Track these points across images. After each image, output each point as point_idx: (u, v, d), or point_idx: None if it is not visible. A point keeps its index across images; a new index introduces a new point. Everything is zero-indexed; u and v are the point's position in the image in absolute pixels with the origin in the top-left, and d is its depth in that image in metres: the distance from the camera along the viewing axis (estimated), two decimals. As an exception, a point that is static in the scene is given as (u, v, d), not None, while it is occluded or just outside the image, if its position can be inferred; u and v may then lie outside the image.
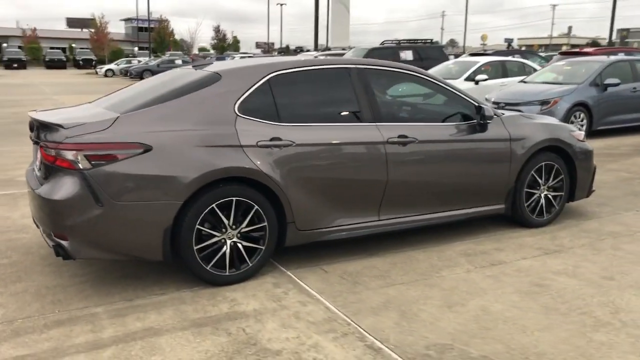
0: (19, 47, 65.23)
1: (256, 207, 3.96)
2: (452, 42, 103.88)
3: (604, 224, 5.41)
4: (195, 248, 3.81)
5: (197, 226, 3.79)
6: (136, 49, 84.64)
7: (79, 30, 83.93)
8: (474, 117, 4.85)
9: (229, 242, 3.93)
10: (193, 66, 4.73)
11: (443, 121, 4.81)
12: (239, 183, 3.91)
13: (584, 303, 3.70)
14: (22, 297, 3.79)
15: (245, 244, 3.99)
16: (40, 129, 3.88)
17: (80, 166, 3.57)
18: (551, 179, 5.30)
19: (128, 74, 39.39)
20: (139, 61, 44.66)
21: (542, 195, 5.28)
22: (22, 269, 4.28)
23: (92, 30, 70.88)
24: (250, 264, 4.02)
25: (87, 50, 66.13)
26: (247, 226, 3.97)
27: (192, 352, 3.10)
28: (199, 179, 3.73)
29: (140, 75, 37.63)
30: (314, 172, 4.15)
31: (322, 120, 4.27)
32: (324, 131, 4.22)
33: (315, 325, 3.40)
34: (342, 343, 3.19)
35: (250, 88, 4.09)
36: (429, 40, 18.55)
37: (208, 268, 3.88)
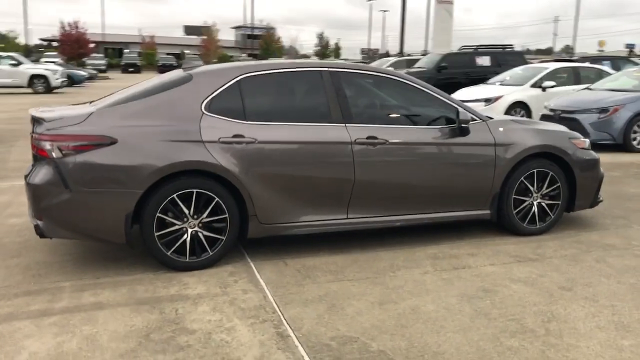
0: (137, 53, 69.90)
1: (217, 199, 4.23)
2: (567, 49, 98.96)
3: (604, 236, 5.17)
4: (156, 234, 4.14)
5: (158, 214, 4.12)
6: (244, 55, 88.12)
7: (194, 37, 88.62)
8: (455, 121, 4.84)
9: (190, 230, 4.22)
10: (182, 68, 5.08)
11: (423, 124, 4.82)
12: (200, 176, 4.20)
13: (520, 310, 3.63)
14: (11, 270, 4.29)
15: (206, 233, 4.27)
16: (33, 124, 4.38)
17: (54, 155, 4.01)
18: (545, 186, 5.14)
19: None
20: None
21: (535, 203, 5.13)
22: (27, 247, 4.80)
23: (205, 37, 74.76)
24: (211, 253, 4.29)
25: (195, 56, 69.73)
26: (208, 217, 4.24)
27: (120, 324, 3.41)
28: (158, 171, 4.06)
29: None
30: (277, 169, 4.36)
31: (289, 119, 4.47)
32: (288, 130, 4.41)
33: (242, 311, 3.60)
34: (256, 328, 3.37)
35: (218, 88, 4.37)
36: (509, 46, 18.01)
37: (168, 253, 4.19)
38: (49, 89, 26.61)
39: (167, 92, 4.34)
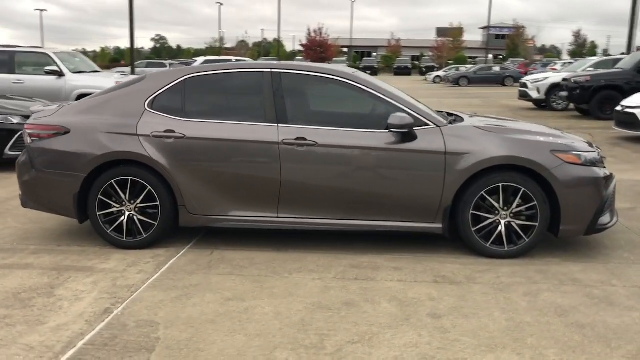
0: (374, 56, 72.90)
1: (149, 187, 4.70)
2: None
3: (584, 270, 4.35)
4: (98, 214, 4.77)
5: (100, 196, 4.74)
6: (490, 56, 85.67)
7: (442, 39, 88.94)
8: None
9: (127, 213, 4.77)
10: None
11: (364, 127, 4.63)
12: (135, 166, 4.71)
13: (330, 325, 3.42)
14: (7, 229, 5.31)
15: (141, 217, 4.77)
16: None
17: (28, 141, 4.90)
18: (516, 204, 4.51)
19: (447, 81, 40.73)
20: (457, 69, 45.56)
21: (503, 222, 4.54)
22: (39, 214, 5.76)
23: (450, 39, 74.71)
24: (145, 236, 4.78)
25: (429, 58, 70.10)
26: (142, 203, 4.74)
27: (14, 281, 4.10)
28: (98, 158, 4.68)
29: (456, 81, 38.56)
30: (204, 164, 4.65)
31: (222, 118, 4.71)
32: (218, 128, 4.66)
33: (109, 287, 4.00)
34: (94, 302, 3.75)
35: (162, 87, 4.82)
36: None
37: (109, 232, 4.79)
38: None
39: (121, 90, 4.93)
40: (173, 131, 4.66)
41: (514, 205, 4.51)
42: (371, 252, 4.70)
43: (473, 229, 4.55)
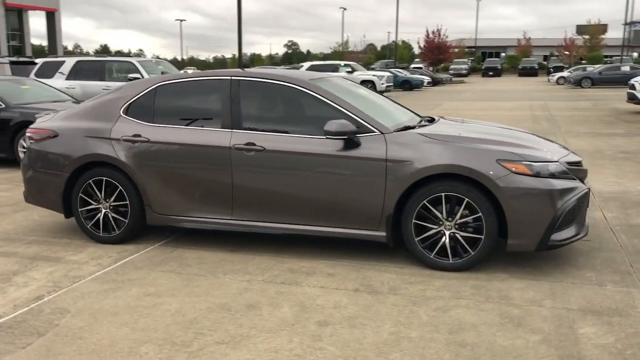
0: (501, 57, 70.08)
1: (120, 187, 5.10)
2: None
3: (524, 288, 4.08)
4: (80, 210, 5.26)
5: (80, 194, 5.22)
6: (635, 54, 79.17)
7: (573, 37, 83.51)
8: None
9: (103, 211, 5.20)
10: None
11: (312, 134, 4.67)
12: (108, 167, 5.13)
13: (215, 326, 3.54)
14: (26, 222, 5.98)
15: (114, 215, 5.18)
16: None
17: (29, 143, 5.51)
18: (459, 215, 4.34)
19: (569, 82, 38.29)
20: (584, 69, 42.53)
21: (447, 233, 4.39)
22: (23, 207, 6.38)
23: (587, 37, 69.95)
24: (117, 232, 5.19)
25: (557, 57, 66.11)
26: (114, 201, 5.15)
27: (-12, 268, 4.67)
28: (77, 160, 5.16)
29: (578, 83, 36.22)
30: (165, 167, 4.96)
31: (185, 123, 4.99)
32: (178, 132, 4.95)
33: (58, 277, 4.40)
34: (41, 287, 4.18)
35: (136, 95, 5.19)
36: None
37: (89, 227, 5.26)
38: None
39: (105, 96, 5.37)
40: (140, 135, 5.00)
41: (458, 216, 4.32)
42: (318, 257, 4.73)
43: (416, 239, 4.43)
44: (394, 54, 67.24)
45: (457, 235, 4.35)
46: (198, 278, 4.36)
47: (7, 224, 5.91)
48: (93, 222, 5.21)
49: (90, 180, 5.15)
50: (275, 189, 4.68)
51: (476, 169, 4.22)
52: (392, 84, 31.08)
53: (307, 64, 32.06)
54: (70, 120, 5.32)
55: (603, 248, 4.89)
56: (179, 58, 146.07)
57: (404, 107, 5.86)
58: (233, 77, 4.97)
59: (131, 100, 5.18)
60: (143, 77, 12.78)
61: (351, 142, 4.48)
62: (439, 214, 4.35)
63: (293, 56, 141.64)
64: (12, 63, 15.42)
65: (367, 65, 57.31)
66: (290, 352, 3.21)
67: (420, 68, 57.20)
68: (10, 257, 4.88)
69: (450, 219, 4.34)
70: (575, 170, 4.57)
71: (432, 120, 5.33)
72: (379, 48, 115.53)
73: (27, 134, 5.48)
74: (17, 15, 58.08)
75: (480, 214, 4.25)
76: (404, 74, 38.98)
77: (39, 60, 14.10)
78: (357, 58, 67.53)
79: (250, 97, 4.90)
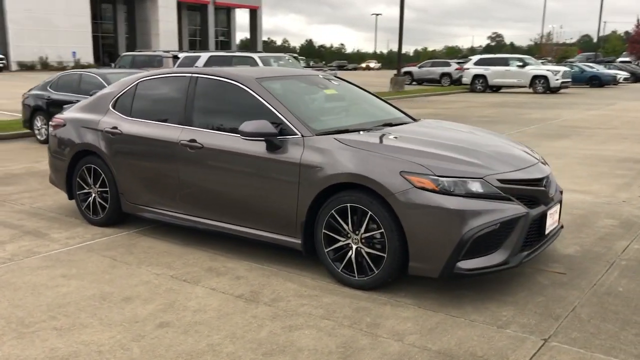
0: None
1: (102, 175, 5.56)
2: None
3: (409, 319, 3.65)
4: (77, 193, 5.84)
5: (77, 179, 5.79)
6: None
7: None
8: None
9: (93, 195, 5.71)
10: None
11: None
12: (95, 156, 5.62)
13: (57, 310, 3.73)
14: (61, 201, 6.77)
15: (99, 200, 5.66)
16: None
17: (49, 130, 6.23)
18: (364, 229, 4.00)
19: None
20: None
21: (354, 247, 4.08)
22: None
23: None
24: (102, 215, 5.66)
25: None
26: (99, 187, 5.63)
27: (-14, 237, 5.43)
28: (74, 148, 5.72)
29: None
30: (131, 158, 5.28)
31: (152, 117, 5.25)
32: (145, 127, 5.22)
33: (21, 251, 4.94)
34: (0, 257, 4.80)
35: (123, 90, 5.57)
36: None
37: (82, 209, 5.82)
38: (548, 89, 27.48)
39: (103, 91, 5.84)
40: (116, 128, 5.38)
41: (362, 230, 3.98)
42: (250, 259, 4.67)
43: (326, 250, 4.17)
44: (602, 46, 61.10)
45: (363, 251, 3.99)
46: (122, 266, 4.58)
47: (49, 201, 6.72)
48: (86, 205, 5.72)
49: (84, 167, 5.66)
50: (211, 186, 4.72)
51: (377, 180, 3.83)
52: (569, 80, 28.35)
53: (475, 58, 30.69)
54: (77, 111, 5.89)
55: (567, 284, 4.12)
56: (378, 51, 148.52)
57: (395, 107, 5.48)
58: (192, 75, 5.09)
59: (118, 95, 5.57)
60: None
61: (271, 143, 4.34)
62: (345, 226, 4.04)
63: (496, 49, 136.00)
64: (174, 57, 17.19)
65: (564, 59, 52.87)
66: (97, 346, 3.27)
67: (629, 62, 51.32)
68: (13, 229, 5.57)
69: (357, 232, 4.00)
70: (523, 191, 3.91)
71: (402, 124, 4.91)
72: (594, 39, 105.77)
73: (50, 124, 6.18)
74: (226, 13, 64.17)
75: (382, 230, 3.85)
76: (595, 68, 35.31)
77: (181, 55, 15.52)
78: (555, 50, 62.63)
79: (203, 95, 4.98)
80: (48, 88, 11.30)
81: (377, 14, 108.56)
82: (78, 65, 42.48)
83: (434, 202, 3.68)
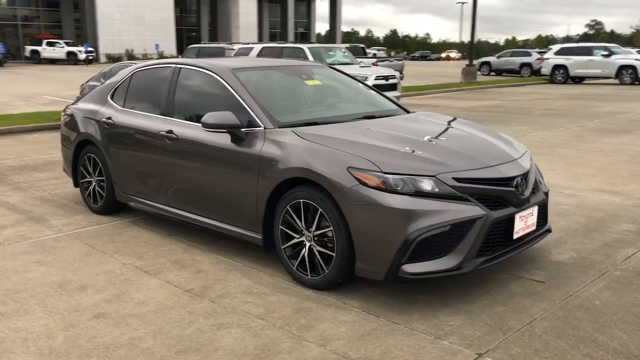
0: None
1: (100, 165, 5.70)
2: None
3: (344, 324, 3.48)
4: (81, 181, 6.02)
5: (80, 167, 5.96)
6: None
7: None
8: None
9: (93, 183, 5.86)
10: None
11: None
12: (94, 145, 5.75)
13: (10, 294, 3.82)
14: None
15: (98, 189, 5.80)
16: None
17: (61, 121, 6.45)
18: (314, 226, 3.84)
19: None
20: None
21: (307, 245, 3.93)
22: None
23: None
24: (100, 204, 5.80)
25: None
26: (98, 176, 5.77)
27: (-8, 222, 5.70)
28: (77, 137, 5.88)
29: None
30: (122, 149, 5.35)
31: (141, 108, 5.29)
32: (134, 117, 5.27)
33: (16, 236, 5.17)
34: (-15, 243, 5.02)
35: (120, 82, 5.66)
36: None
37: (85, 197, 5.98)
38: (637, 80, 25.75)
39: (105, 83, 5.96)
40: (110, 118, 5.47)
41: (314, 227, 3.81)
42: (222, 253, 4.62)
43: (283, 246, 4.04)
44: None
45: (315, 250, 3.83)
46: (97, 254, 4.65)
47: (68, 189, 6.94)
48: (87, 193, 5.88)
49: (85, 156, 5.80)
50: (186, 179, 4.70)
51: (325, 175, 3.65)
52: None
53: (556, 47, 29.10)
54: (84, 102, 6.04)
55: (539, 294, 3.77)
56: (466, 40, 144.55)
57: (390, 100, 5.24)
58: (176, 65, 5.07)
59: (116, 86, 5.66)
60: (309, 62, 13.30)
61: (234, 136, 4.25)
62: (299, 223, 3.89)
63: (593, 37, 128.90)
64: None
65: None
66: (25, 333, 3.32)
67: None
68: (20, 214, 5.81)
69: (310, 229, 3.84)
70: (485, 190, 3.61)
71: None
72: None
73: (63, 114, 6.39)
74: (306, 5, 64.51)
75: (331, 228, 3.67)
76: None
77: (237, 47, 15.71)
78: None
79: (183, 85, 4.95)
80: (101, 79, 11.73)
81: (463, 2, 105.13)
82: (161, 56, 44.15)
83: (379, 201, 3.45)
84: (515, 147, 4.28)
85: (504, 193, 3.68)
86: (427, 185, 3.49)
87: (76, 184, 6.08)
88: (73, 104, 6.28)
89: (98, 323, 3.45)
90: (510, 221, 3.70)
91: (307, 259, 3.87)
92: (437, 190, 3.49)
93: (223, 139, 4.33)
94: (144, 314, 3.57)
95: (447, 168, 3.60)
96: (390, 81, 13.12)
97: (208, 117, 4.20)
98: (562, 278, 4.02)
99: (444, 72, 37.45)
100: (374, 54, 39.41)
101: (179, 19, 52.78)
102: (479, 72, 35.05)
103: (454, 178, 3.55)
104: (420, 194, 3.47)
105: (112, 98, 5.63)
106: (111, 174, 5.47)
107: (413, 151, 3.74)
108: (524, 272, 4.13)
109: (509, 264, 4.26)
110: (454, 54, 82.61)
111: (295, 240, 3.94)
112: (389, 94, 13.11)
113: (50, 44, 43.31)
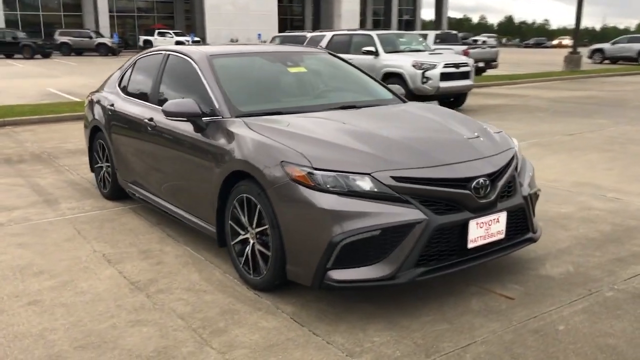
0: None
1: (106, 151, 5.79)
2: None
3: (249, 334, 3.23)
4: (94, 166, 6.16)
5: (94, 153, 6.10)
6: None
7: None
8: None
9: (104, 169, 5.97)
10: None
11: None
12: (102, 132, 5.85)
13: None
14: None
15: (107, 175, 5.89)
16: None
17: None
18: (254, 223, 3.62)
19: None
20: None
21: (252, 242, 3.71)
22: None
23: None
24: (106, 191, 5.89)
25: None
26: (105, 162, 5.87)
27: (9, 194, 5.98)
28: (90, 123, 6.02)
29: None
30: (120, 135, 5.39)
31: (136, 95, 5.29)
32: (128, 104, 5.26)
33: (23, 218, 5.40)
34: (2, 221, 5.26)
35: (127, 69, 5.69)
36: None
37: (97, 182, 6.12)
38: None
39: (120, 69, 6.02)
40: (112, 105, 5.52)
41: (254, 224, 3.59)
42: (189, 244, 4.53)
43: (232, 242, 3.85)
44: None
45: (256, 248, 3.60)
46: (77, 239, 4.70)
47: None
48: (98, 178, 6.00)
49: (97, 142, 5.92)
50: (160, 166, 4.63)
51: (260, 169, 3.41)
52: None
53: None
54: (102, 88, 6.14)
55: (498, 313, 3.30)
56: (589, 27, 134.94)
57: (388, 89, 4.87)
58: (166, 52, 4.99)
59: (124, 73, 5.70)
60: (377, 50, 12.89)
61: (196, 124, 4.10)
62: (243, 219, 3.67)
63: None
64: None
65: None
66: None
67: None
68: (39, 196, 6.02)
69: (253, 226, 3.62)
70: (432, 192, 3.20)
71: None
72: None
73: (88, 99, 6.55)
74: (413, -9, 63.10)
75: (267, 226, 3.43)
76: None
77: (309, 35, 15.55)
78: None
79: (168, 72, 4.86)
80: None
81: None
82: (263, 46, 45.01)
83: (307, 198, 3.15)
84: (495, 143, 3.77)
85: (457, 196, 3.23)
86: (360, 183, 3.14)
87: (92, 169, 6.21)
88: (97, 90, 6.40)
89: (26, 310, 3.44)
90: (463, 228, 3.25)
91: (250, 258, 3.64)
92: (371, 189, 3.13)
93: (189, 128, 4.18)
94: (75, 304, 3.52)
95: (388, 165, 3.21)
96: (462, 69, 12.38)
97: (168, 105, 4.07)
98: (538, 295, 3.50)
99: (552, 60, 35.10)
100: (484, 41, 37.81)
101: (284, 8, 53.60)
102: (590, 60, 32.60)
103: (392, 177, 3.16)
104: (353, 193, 3.12)
105: (119, 85, 5.67)
106: (114, 160, 5.51)
107: (353, 146, 3.38)
108: (499, 286, 3.64)
109: (485, 275, 3.78)
110: (566, 40, 77.43)
111: (241, 237, 3.72)
112: (460, 82, 12.44)
113: (161, 34, 45.56)
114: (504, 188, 3.48)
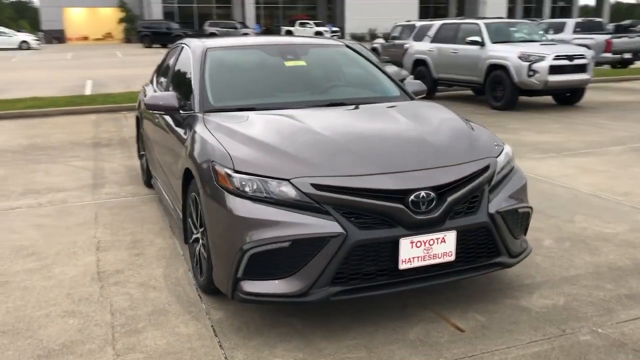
0: None
1: (142, 140, 6.01)
2: None
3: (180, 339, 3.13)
4: (140, 154, 6.42)
5: (139, 142, 6.37)
6: None
7: None
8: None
9: (145, 158, 6.20)
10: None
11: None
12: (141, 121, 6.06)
13: None
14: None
15: (145, 164, 6.11)
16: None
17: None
18: (198, 222, 3.52)
19: None
20: None
21: (201, 242, 3.59)
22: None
23: None
24: (145, 178, 6.11)
25: None
26: (142, 151, 6.09)
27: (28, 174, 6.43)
28: (137, 112, 6.29)
29: None
30: (145, 127, 5.56)
31: (159, 85, 5.41)
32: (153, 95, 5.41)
33: (45, 201, 5.78)
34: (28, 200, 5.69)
35: (164, 60, 5.82)
36: None
37: (142, 168, 6.38)
38: None
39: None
40: (146, 95, 5.69)
41: (198, 224, 3.49)
42: (180, 236, 4.52)
43: (190, 240, 3.78)
44: None
45: (200, 249, 3.50)
46: (88, 224, 4.90)
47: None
48: (140, 165, 6.25)
49: (139, 131, 6.16)
50: (160, 158, 4.70)
51: (195, 169, 3.30)
52: None
53: None
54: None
55: (431, 346, 2.90)
56: None
57: (400, 87, 4.51)
58: (181, 44, 5.03)
59: (161, 65, 5.84)
60: (483, 40, 12.07)
61: (173, 118, 4.08)
62: (194, 217, 3.59)
63: None
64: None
65: None
66: None
67: None
68: (93, 180, 6.37)
69: (198, 226, 3.52)
70: (359, 204, 2.88)
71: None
72: None
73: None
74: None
75: (204, 228, 3.32)
76: None
77: (418, 24, 14.95)
78: None
79: (180, 65, 4.87)
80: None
81: None
82: (401, 35, 44.41)
83: (224, 202, 2.97)
84: (468, 151, 3.27)
85: (388, 209, 2.85)
86: (278, 189, 2.89)
87: (139, 156, 6.46)
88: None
89: (-9, 297, 3.62)
90: (395, 246, 2.87)
91: (198, 258, 3.53)
92: (289, 197, 2.87)
93: (177, 120, 4.16)
94: (34, 288, 3.65)
95: (312, 171, 2.92)
96: (576, 62, 11.14)
97: (149, 98, 4.08)
98: (495, 330, 3.01)
99: None
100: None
101: (428, -4, 52.44)
102: None
103: (313, 184, 2.86)
104: (271, 200, 2.89)
105: (155, 77, 5.81)
106: (145, 148, 5.69)
107: (284, 148, 3.12)
108: (458, 314, 3.19)
109: (450, 300, 3.34)
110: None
111: (195, 236, 3.62)
112: (574, 76, 11.22)
113: (302, 25, 46.73)
114: (459, 203, 3.01)
